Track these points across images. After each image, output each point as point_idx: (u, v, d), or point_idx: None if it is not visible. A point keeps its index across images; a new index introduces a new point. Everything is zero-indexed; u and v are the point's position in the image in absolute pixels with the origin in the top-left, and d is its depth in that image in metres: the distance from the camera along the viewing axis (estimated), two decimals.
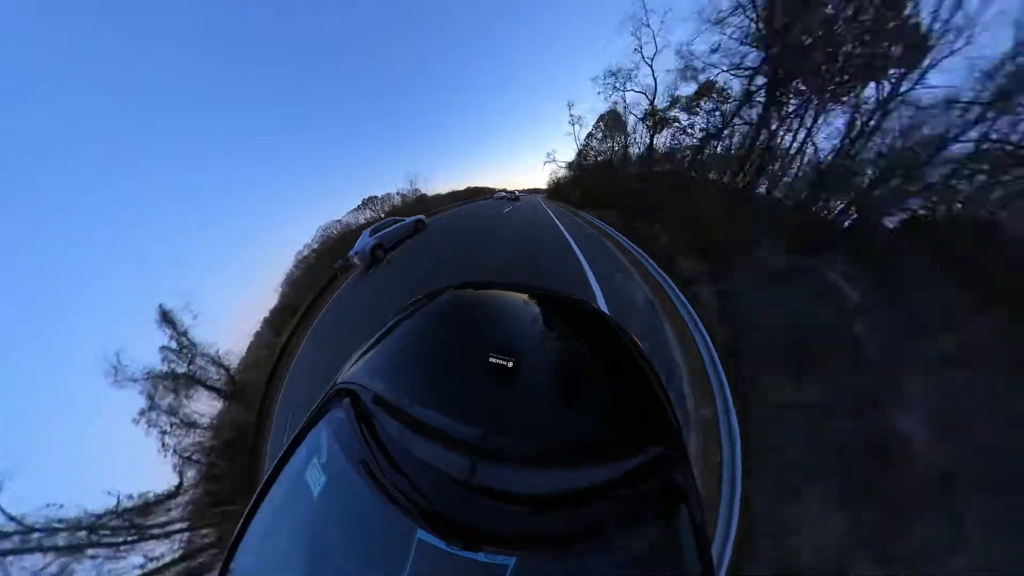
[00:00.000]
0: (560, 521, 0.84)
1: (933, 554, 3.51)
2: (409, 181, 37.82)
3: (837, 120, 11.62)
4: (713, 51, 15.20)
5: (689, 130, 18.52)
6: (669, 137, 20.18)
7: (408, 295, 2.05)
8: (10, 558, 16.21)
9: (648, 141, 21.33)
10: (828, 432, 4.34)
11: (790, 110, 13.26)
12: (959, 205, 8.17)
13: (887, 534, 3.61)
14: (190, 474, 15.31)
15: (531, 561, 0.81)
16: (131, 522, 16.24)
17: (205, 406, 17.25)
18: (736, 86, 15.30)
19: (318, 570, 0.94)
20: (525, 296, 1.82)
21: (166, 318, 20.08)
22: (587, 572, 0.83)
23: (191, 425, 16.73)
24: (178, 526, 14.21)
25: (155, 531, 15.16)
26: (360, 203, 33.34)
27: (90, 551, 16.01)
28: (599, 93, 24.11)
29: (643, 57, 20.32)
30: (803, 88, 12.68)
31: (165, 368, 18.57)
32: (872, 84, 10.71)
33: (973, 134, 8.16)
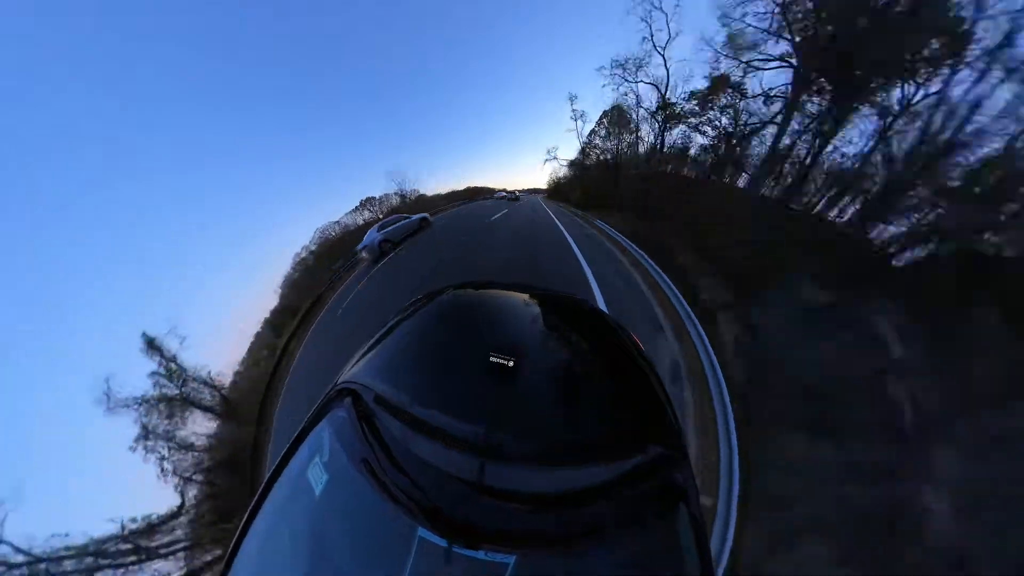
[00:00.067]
0: (560, 520, 0.85)
1: None
2: (396, 183, 35.38)
3: (861, 124, 10.30)
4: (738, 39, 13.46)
5: (702, 128, 16.76)
6: (680, 135, 18.37)
7: (408, 295, 2.05)
8: None
9: (659, 138, 19.47)
10: (837, 494, 4.05)
11: (816, 110, 11.77)
12: None
13: None
14: (191, 493, 15.49)
15: (531, 559, 0.81)
16: (136, 544, 16.42)
17: (201, 427, 17.27)
18: (757, 81, 13.70)
19: (320, 568, 0.94)
20: (525, 296, 1.83)
21: (152, 346, 19.83)
22: (587, 571, 0.83)
23: (188, 448, 16.81)
24: (182, 545, 14.30)
25: (161, 551, 15.30)
26: (359, 204, 33.38)
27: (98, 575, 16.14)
28: (604, 85, 22.10)
29: (654, 45, 18.29)
30: (830, 87, 11.27)
31: (157, 393, 18.51)
32: (907, 85, 9.42)
33: None
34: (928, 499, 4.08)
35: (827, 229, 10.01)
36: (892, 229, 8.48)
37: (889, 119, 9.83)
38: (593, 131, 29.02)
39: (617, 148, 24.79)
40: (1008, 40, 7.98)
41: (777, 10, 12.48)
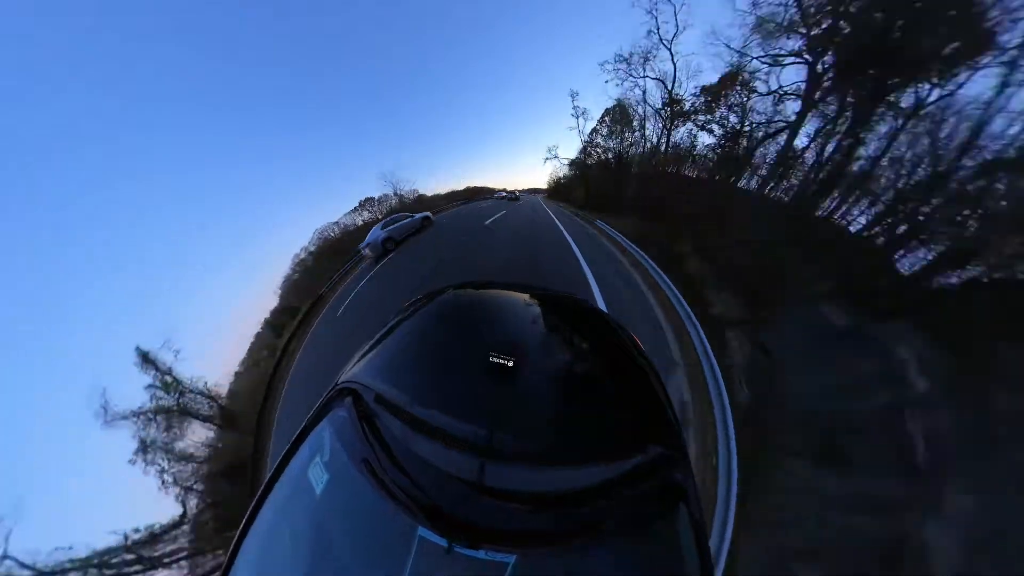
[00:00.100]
0: (560, 519, 0.85)
1: None
2: (389, 184, 33.93)
3: (880, 125, 9.58)
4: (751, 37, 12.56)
5: (709, 126, 15.75)
6: (686, 134, 17.24)
7: (408, 294, 2.05)
8: None
9: (665, 136, 18.27)
10: (838, 525, 3.91)
11: (832, 110, 10.88)
12: None
13: None
14: (193, 502, 15.60)
15: (531, 559, 0.81)
16: (140, 554, 16.56)
17: (200, 437, 17.27)
18: (771, 78, 12.77)
19: (320, 566, 0.94)
20: (525, 295, 1.83)
21: (146, 360, 19.69)
22: (587, 570, 0.83)
23: (188, 458, 16.87)
24: (185, 553, 14.40)
25: (164, 560, 15.39)
26: (357, 204, 33.20)
27: None
28: (608, 81, 20.92)
29: (660, 39, 17.19)
30: (847, 84, 10.37)
31: (154, 405, 18.47)
32: (926, 85, 8.62)
33: None
34: (935, 534, 3.92)
35: (849, 244, 9.12)
36: (921, 252, 7.54)
37: (907, 120, 9.14)
38: (595, 129, 28.10)
39: (619, 147, 23.98)
40: None
41: (792, 2, 11.69)
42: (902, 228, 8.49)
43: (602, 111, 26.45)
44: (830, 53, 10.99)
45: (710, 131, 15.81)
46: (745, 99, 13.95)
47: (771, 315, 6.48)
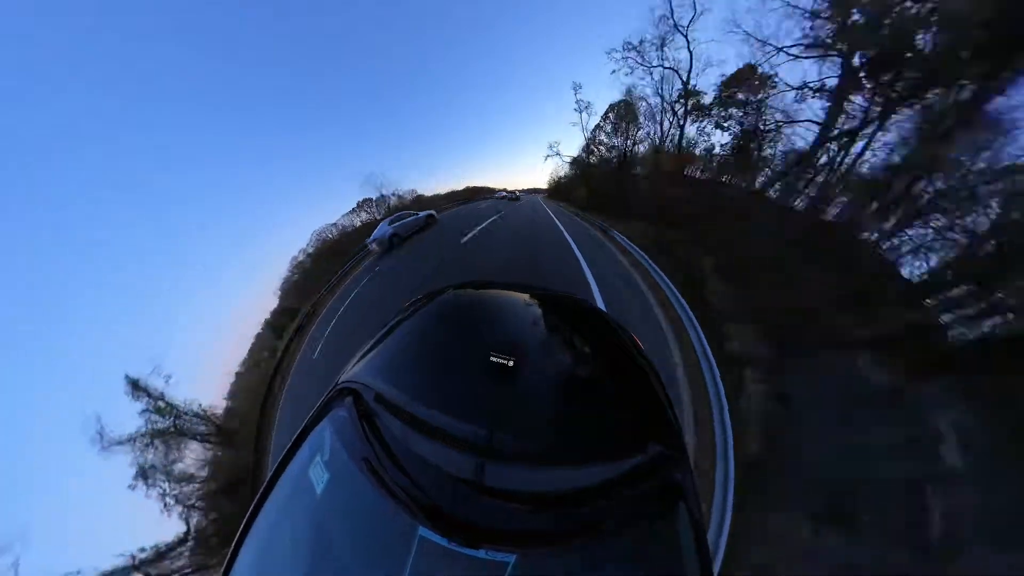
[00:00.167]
0: (560, 519, 0.85)
1: None
2: (374, 187, 32.60)
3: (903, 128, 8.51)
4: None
5: (727, 124, 14.20)
6: (698, 131, 15.64)
7: (409, 294, 2.05)
8: None
9: (678, 133, 16.39)
10: None
11: (862, 110, 9.55)
12: None
13: None
14: (196, 519, 15.72)
15: (531, 558, 0.81)
16: (147, 573, 16.61)
17: (198, 455, 17.29)
18: (795, 72, 11.19)
19: (321, 565, 0.95)
20: (525, 295, 1.83)
21: (137, 387, 19.48)
22: (587, 570, 0.84)
23: (188, 479, 16.95)
24: (191, 569, 14.52)
25: None
26: (355, 205, 32.88)
27: None
28: (615, 71, 18.79)
29: (675, 24, 14.99)
30: (872, 84, 9.20)
31: (150, 428, 18.40)
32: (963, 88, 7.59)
33: None
34: None
35: (897, 284, 7.70)
36: (983, 303, 6.33)
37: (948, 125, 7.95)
38: (598, 126, 26.25)
39: (624, 144, 22.58)
40: None
41: None
42: (962, 270, 6.96)
43: (606, 107, 24.80)
44: (867, 46, 9.64)
45: (727, 128, 14.30)
46: (767, 94, 12.51)
47: (798, 360, 5.81)
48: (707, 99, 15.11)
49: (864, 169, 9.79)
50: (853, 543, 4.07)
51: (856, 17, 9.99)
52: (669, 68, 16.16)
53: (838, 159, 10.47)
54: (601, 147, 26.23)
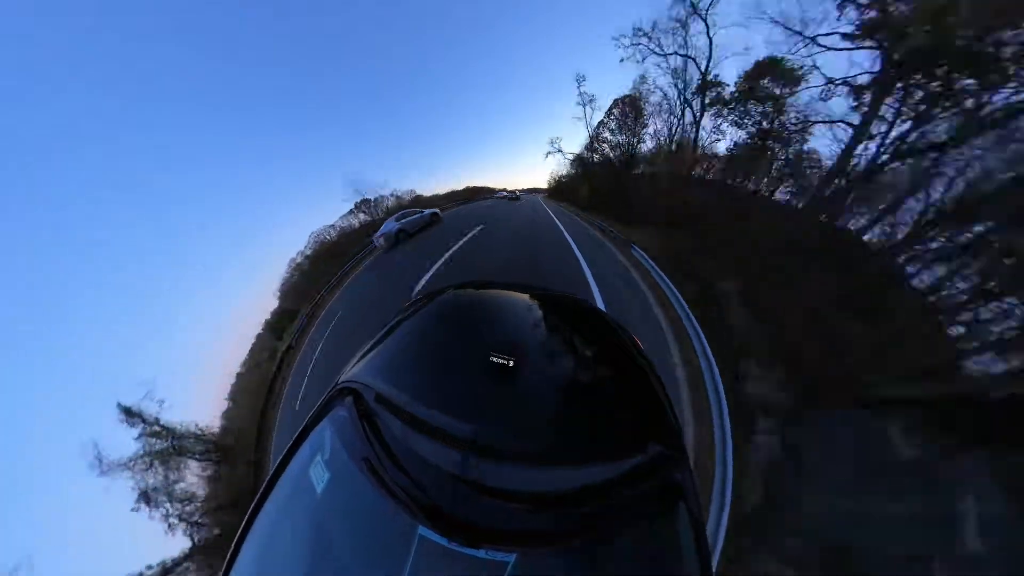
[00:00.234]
0: (560, 518, 0.85)
1: None
2: (354, 191, 31.29)
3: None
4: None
5: (747, 121, 12.58)
6: (712, 129, 14.03)
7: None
8: None
9: (693, 129, 14.69)
10: None
11: (891, 111, 8.39)
12: None
13: None
14: (201, 534, 15.83)
15: (531, 558, 0.81)
16: None
17: (199, 473, 17.39)
18: (829, 64, 9.80)
19: (321, 564, 0.95)
20: (525, 296, 1.83)
21: (130, 414, 19.40)
22: (587, 569, 0.84)
23: (190, 498, 17.05)
24: None
25: None
26: (353, 206, 32.30)
27: None
28: (623, 60, 17.22)
29: (694, 6, 13.25)
30: (913, 82, 8.07)
31: (148, 449, 18.38)
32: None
33: None
34: None
35: (937, 328, 6.61)
36: None
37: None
38: (602, 122, 24.53)
39: (630, 141, 21.11)
40: None
41: None
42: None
43: (611, 102, 23.41)
44: (907, 39, 8.46)
45: (745, 126, 12.71)
46: (791, 90, 11.10)
47: (819, 412, 5.20)
48: (728, 90, 13.35)
49: (904, 178, 8.40)
50: None
51: (899, 5, 8.79)
52: (686, 56, 14.03)
53: (871, 163, 9.21)
54: (605, 144, 24.70)
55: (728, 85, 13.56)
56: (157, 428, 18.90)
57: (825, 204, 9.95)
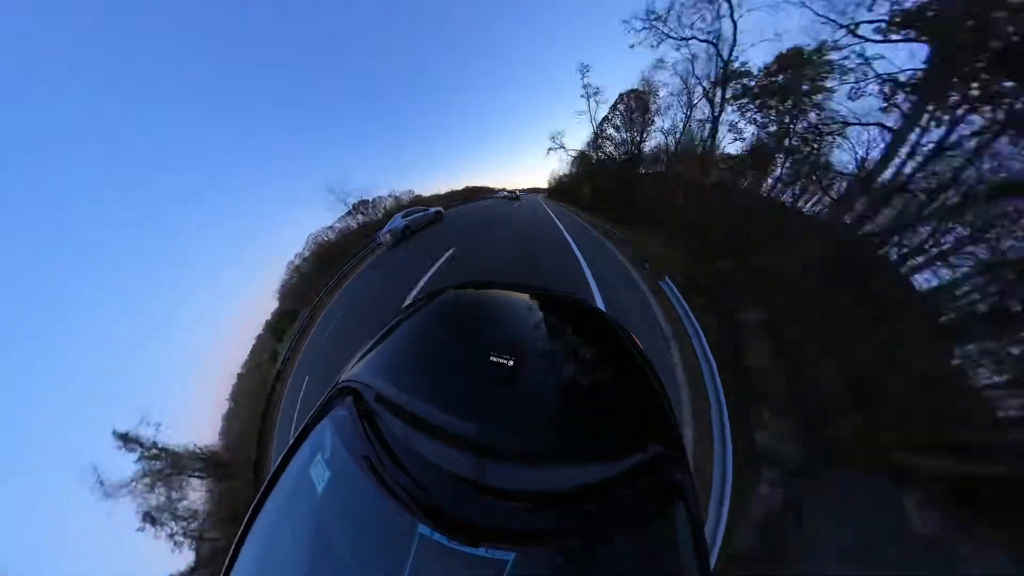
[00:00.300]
0: (560, 518, 0.85)
1: None
2: (337, 198, 30.72)
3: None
4: None
5: (772, 119, 10.95)
6: (730, 125, 12.13)
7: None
8: None
9: (711, 126, 12.91)
10: None
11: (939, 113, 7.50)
12: None
13: None
14: (205, 548, 15.98)
15: (531, 557, 0.82)
16: None
17: (201, 490, 17.53)
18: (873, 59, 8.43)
19: (322, 563, 0.95)
20: (525, 296, 1.83)
21: (127, 440, 19.62)
22: (586, 568, 0.84)
23: (193, 516, 17.27)
24: None
25: None
26: (351, 207, 32.15)
27: None
28: (633, 46, 15.49)
29: None
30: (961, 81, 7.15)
31: (149, 469, 18.61)
32: None
33: None
34: None
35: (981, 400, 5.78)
36: None
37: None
38: (607, 118, 23.11)
39: (637, 139, 19.84)
40: None
41: None
42: None
43: (616, 96, 21.88)
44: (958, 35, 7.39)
45: (769, 124, 10.99)
46: (819, 86, 9.74)
47: (833, 472, 4.76)
48: (756, 82, 11.53)
49: (942, 190, 7.35)
50: None
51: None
52: (706, 40, 12.11)
53: (900, 171, 8.09)
54: (609, 141, 23.30)
55: (756, 75, 11.69)
56: (155, 451, 19.17)
57: (855, 217, 8.74)
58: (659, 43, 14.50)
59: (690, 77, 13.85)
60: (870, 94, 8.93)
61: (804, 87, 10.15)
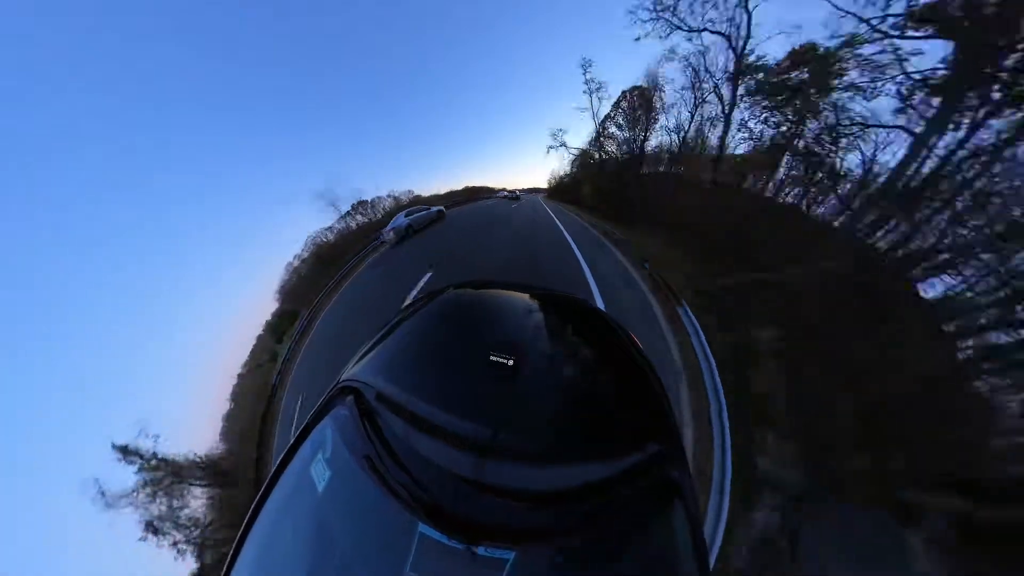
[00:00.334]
0: (559, 516, 0.86)
1: None
2: (328, 204, 30.90)
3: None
4: None
5: (776, 119, 10.33)
6: (739, 123, 11.44)
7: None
8: None
9: (723, 124, 12.23)
10: None
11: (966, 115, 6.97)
12: None
13: None
14: (208, 556, 15.98)
15: (530, 555, 0.82)
16: None
17: (203, 498, 17.53)
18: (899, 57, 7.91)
19: (322, 561, 0.96)
20: (525, 295, 1.83)
21: (126, 452, 19.63)
22: (585, 566, 0.85)
23: (195, 523, 17.24)
24: None
25: None
26: (350, 208, 32.07)
27: None
28: (639, 38, 14.87)
29: None
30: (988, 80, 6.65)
31: (149, 478, 18.64)
32: None
33: None
34: None
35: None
36: None
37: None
38: (609, 115, 22.34)
39: (637, 138, 19.31)
40: None
41: None
42: None
43: (619, 94, 21.35)
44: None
45: (782, 123, 10.19)
46: (829, 84, 9.13)
47: (837, 502, 4.55)
48: (770, 79, 10.88)
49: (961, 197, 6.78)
50: None
51: None
52: (718, 32, 11.38)
53: (917, 177, 7.52)
54: (611, 140, 22.59)
55: (771, 69, 10.93)
56: (155, 463, 19.19)
57: (872, 226, 8.14)
58: (668, 34, 13.76)
59: (700, 71, 13.21)
60: (889, 94, 8.36)
61: (820, 85, 9.48)
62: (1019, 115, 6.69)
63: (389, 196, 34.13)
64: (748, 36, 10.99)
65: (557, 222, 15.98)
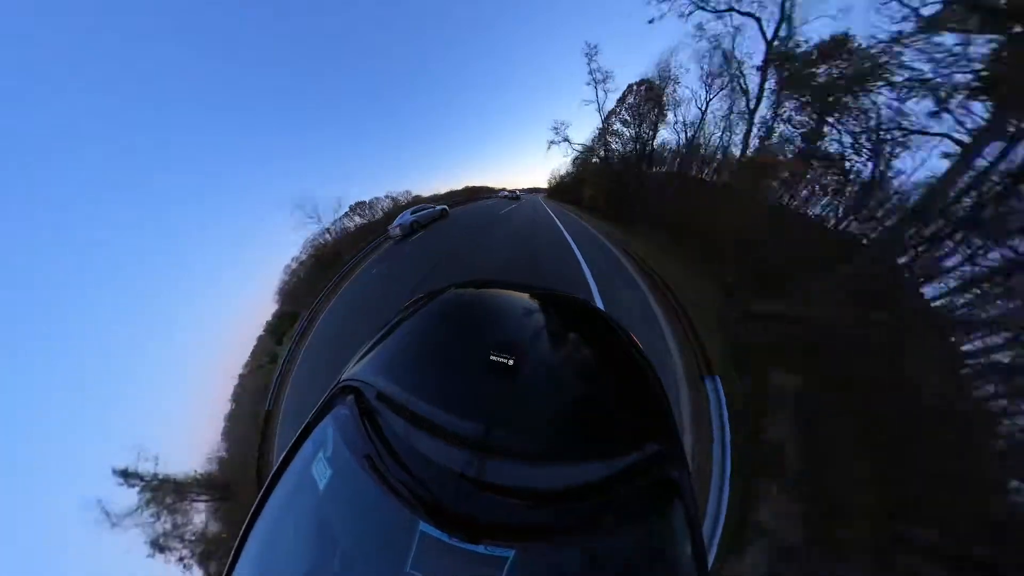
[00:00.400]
0: (559, 515, 0.86)
1: None
2: (305, 213, 29.54)
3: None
4: None
5: (804, 117, 8.95)
6: (760, 123, 10.00)
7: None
8: None
9: (747, 121, 10.63)
10: None
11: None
12: None
13: None
14: (213, 567, 15.95)
15: (530, 553, 0.83)
16: None
17: (207, 512, 17.48)
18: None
19: (323, 560, 0.96)
20: (525, 295, 1.83)
21: (126, 475, 19.67)
22: (584, 564, 0.85)
23: (202, 538, 17.19)
24: None
25: None
26: (348, 209, 31.73)
27: None
28: (653, 21, 13.44)
29: None
30: None
31: (151, 496, 18.63)
32: None
33: None
34: None
35: None
36: None
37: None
38: (613, 111, 20.88)
39: (644, 136, 18.18)
40: None
41: None
42: None
43: (625, 87, 19.95)
44: None
45: (808, 124, 8.81)
46: (873, 83, 7.78)
47: (828, 553, 4.33)
48: (806, 70, 9.16)
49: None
50: None
51: None
52: (747, 14, 9.89)
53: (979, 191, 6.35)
54: (615, 137, 21.12)
55: (808, 59, 9.22)
56: (156, 483, 19.21)
57: (910, 243, 6.91)
58: (690, 13, 11.73)
59: (722, 58, 11.37)
60: (920, 96, 7.14)
61: (858, 83, 8.07)
62: None
63: (387, 197, 34.04)
64: (783, 19, 9.15)
65: (557, 222, 16.00)
